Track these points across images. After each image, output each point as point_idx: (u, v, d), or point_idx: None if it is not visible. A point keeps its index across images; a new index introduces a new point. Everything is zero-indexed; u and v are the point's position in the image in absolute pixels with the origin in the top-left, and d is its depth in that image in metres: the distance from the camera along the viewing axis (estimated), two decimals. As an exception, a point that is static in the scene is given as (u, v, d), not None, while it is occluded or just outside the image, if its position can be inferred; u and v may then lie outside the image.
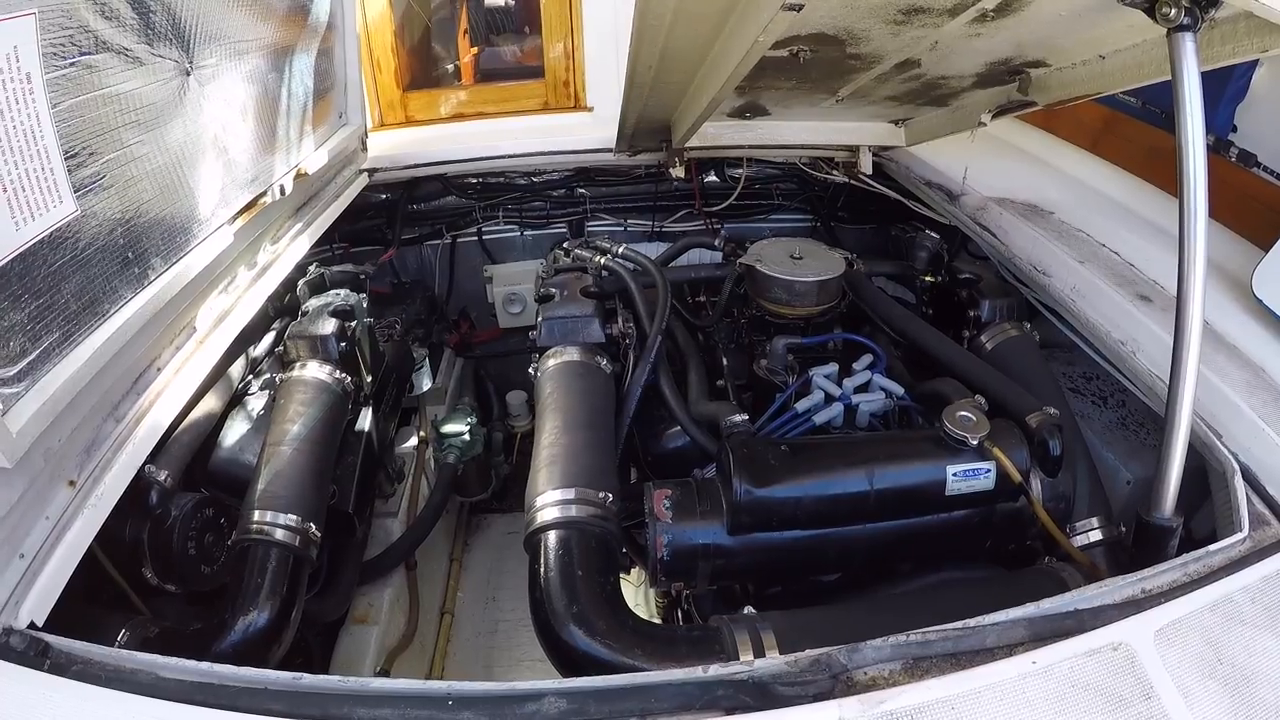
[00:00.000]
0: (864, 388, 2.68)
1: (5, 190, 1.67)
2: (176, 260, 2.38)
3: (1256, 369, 2.28)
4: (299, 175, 3.18)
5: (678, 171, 3.97)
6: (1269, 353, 2.33)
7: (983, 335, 3.03)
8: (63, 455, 1.94)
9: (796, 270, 3.05)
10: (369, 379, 3.29)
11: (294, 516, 2.48)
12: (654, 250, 3.54)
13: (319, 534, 2.56)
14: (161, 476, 2.49)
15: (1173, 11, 1.76)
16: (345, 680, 1.47)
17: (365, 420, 3.26)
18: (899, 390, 2.67)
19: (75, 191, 1.89)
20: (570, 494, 2.29)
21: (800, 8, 1.78)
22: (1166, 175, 2.92)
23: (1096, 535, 2.45)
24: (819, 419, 2.59)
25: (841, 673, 1.48)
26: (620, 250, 3.34)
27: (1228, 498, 1.98)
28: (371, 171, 4.05)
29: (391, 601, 3.46)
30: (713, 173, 4.59)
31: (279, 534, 2.44)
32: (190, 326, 2.50)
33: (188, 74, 2.37)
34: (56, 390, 1.82)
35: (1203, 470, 2.16)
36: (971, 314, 3.11)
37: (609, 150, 4.07)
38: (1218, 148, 2.94)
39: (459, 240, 4.84)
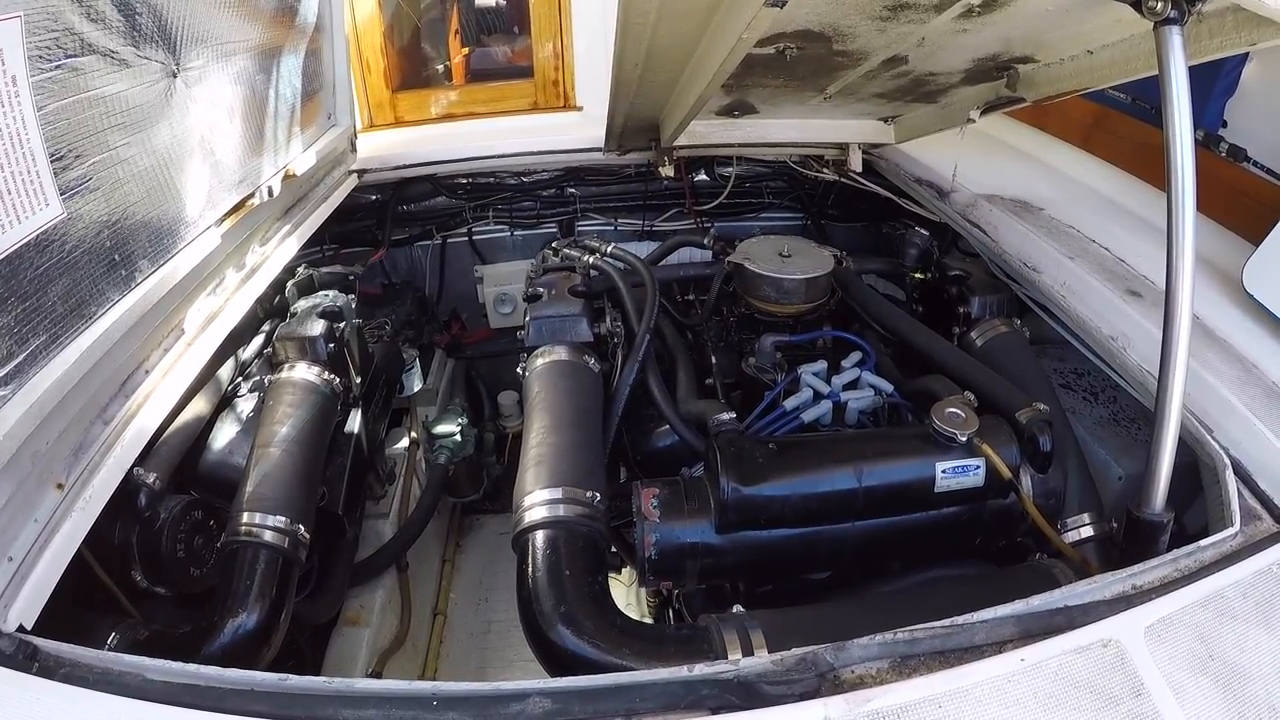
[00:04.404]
0: (853, 385, 2.68)
1: (-9, 193, 1.67)
2: (164, 262, 2.37)
3: (1248, 364, 2.28)
4: (287, 176, 3.17)
5: (667, 170, 3.98)
6: (1260, 348, 2.33)
7: (973, 332, 3.04)
8: (51, 458, 1.93)
9: (785, 268, 3.04)
10: (358, 380, 3.28)
11: (283, 518, 2.48)
12: (644, 249, 3.54)
13: (308, 535, 2.56)
14: (150, 479, 2.48)
15: (1159, 5, 1.76)
16: (331, 681, 1.46)
17: (355, 421, 3.25)
18: (888, 387, 2.67)
19: (61, 194, 1.88)
20: (558, 493, 2.29)
21: (783, 4, 1.78)
22: (1156, 171, 2.90)
23: (1088, 531, 2.45)
24: (807, 417, 2.59)
25: (828, 671, 1.48)
26: (609, 249, 3.34)
27: (1219, 493, 1.98)
28: (361, 172, 4.05)
29: (383, 603, 3.46)
30: (703, 171, 4.60)
31: (268, 536, 2.43)
32: (178, 329, 2.50)
33: (174, 76, 2.37)
34: (44, 393, 1.81)
35: (1195, 466, 2.16)
36: (961, 310, 3.11)
37: (598, 149, 4.08)
38: (1208, 143, 2.94)
39: (449, 241, 4.84)
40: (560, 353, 2.89)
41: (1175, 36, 1.77)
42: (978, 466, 2.24)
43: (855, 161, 3.96)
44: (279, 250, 3.11)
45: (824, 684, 1.46)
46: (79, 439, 2.05)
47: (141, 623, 2.27)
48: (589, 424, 2.64)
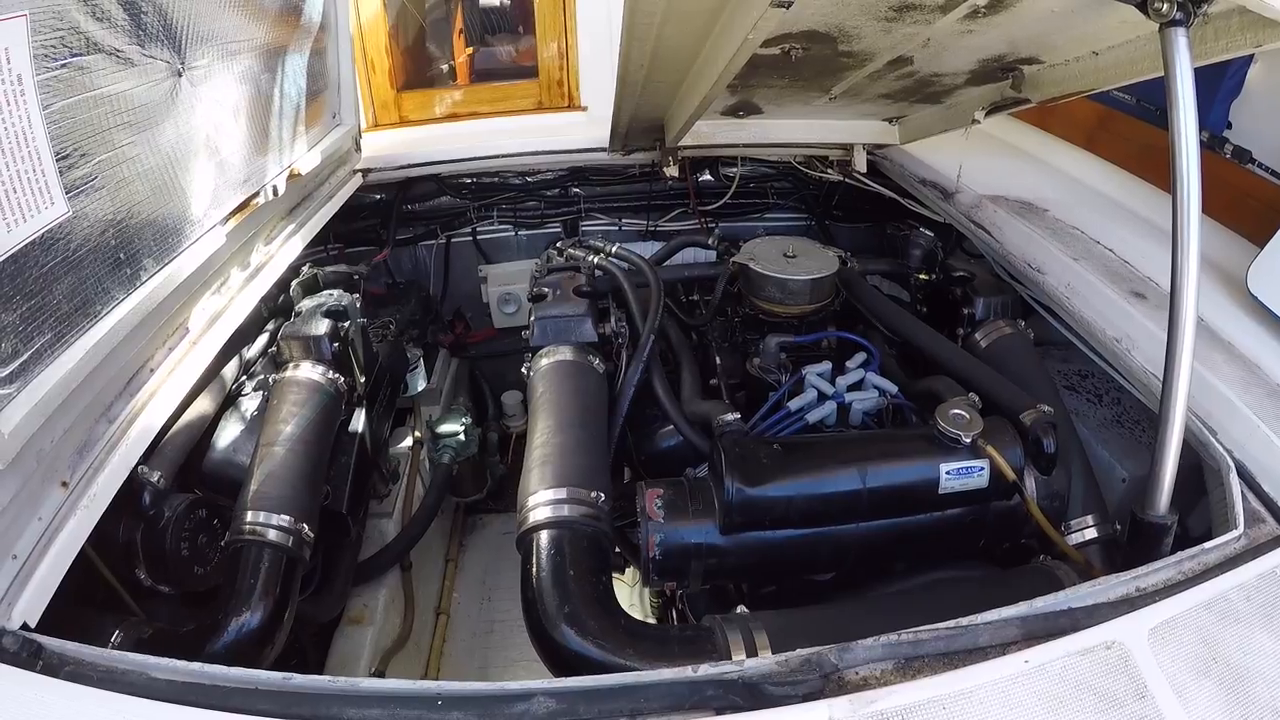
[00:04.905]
0: (857, 386, 2.68)
1: (-4, 191, 1.67)
2: (169, 261, 2.37)
3: (1251, 366, 2.27)
4: (292, 176, 3.17)
5: (671, 170, 3.97)
6: (1264, 349, 2.33)
7: (977, 333, 3.03)
8: (55, 456, 1.94)
9: (789, 269, 3.05)
10: (362, 379, 3.29)
11: (287, 517, 2.48)
12: (648, 250, 3.53)
13: (312, 535, 2.56)
14: (155, 477, 2.48)
15: (1165, 7, 1.76)
16: (335, 680, 1.46)
17: (359, 421, 3.25)
18: (892, 388, 2.67)
19: (67, 193, 1.88)
20: (562, 493, 2.28)
21: (790, 4, 1.77)
22: (1161, 172, 2.92)
23: (1091, 533, 2.44)
24: (812, 417, 2.58)
25: (832, 672, 1.48)
26: (614, 249, 3.33)
27: (1223, 495, 1.98)
28: (365, 172, 4.04)
29: (386, 602, 3.47)
30: (707, 172, 4.58)
31: (272, 535, 2.43)
32: (183, 327, 2.50)
33: (179, 75, 2.37)
34: (49, 391, 1.82)
35: (1199, 468, 2.16)
36: (966, 312, 3.10)
37: (603, 149, 4.08)
38: (1212, 144, 2.93)
39: (454, 240, 4.84)
40: (565, 353, 2.88)
41: (1180, 38, 1.77)
42: (982, 468, 2.24)
43: (860, 162, 3.96)
44: (284, 249, 3.11)
45: (828, 685, 1.46)
46: (83, 437, 2.06)
47: (145, 621, 2.27)
48: (593, 424, 2.64)
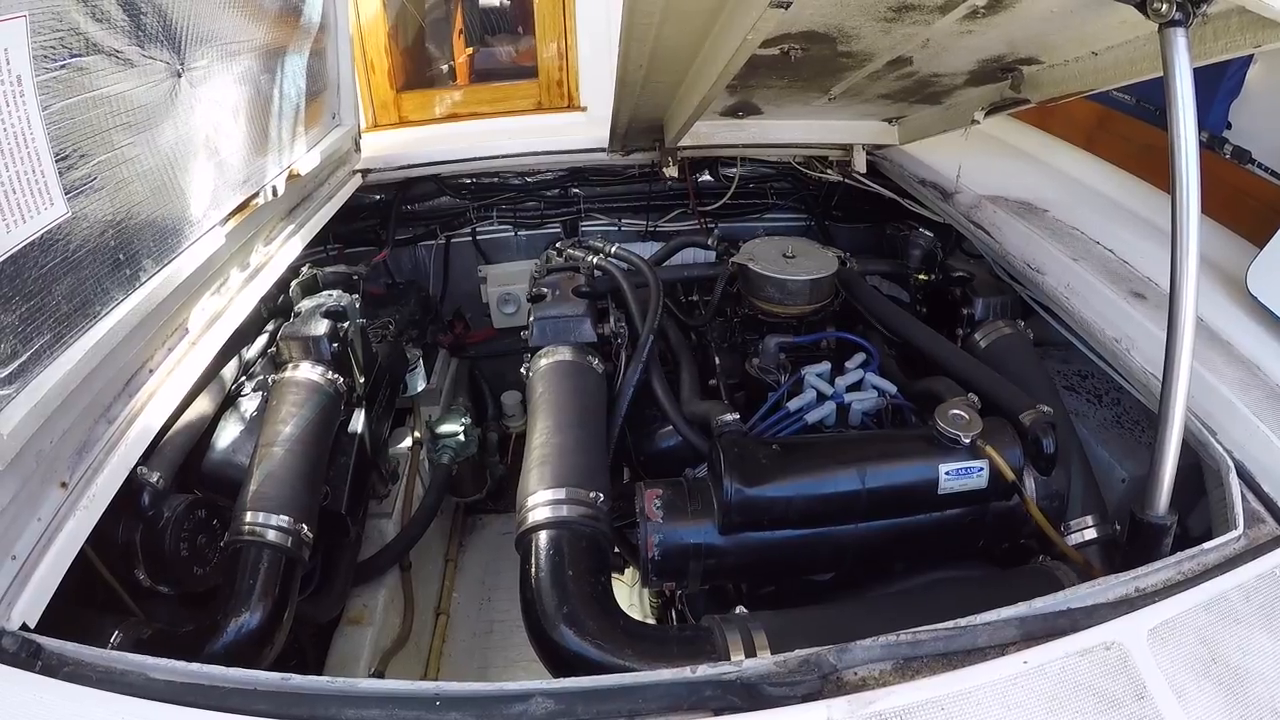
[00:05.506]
0: (856, 386, 2.68)
1: (-5, 192, 1.67)
2: (168, 262, 2.37)
3: (1251, 366, 2.27)
4: (291, 176, 3.17)
5: (671, 171, 3.97)
6: (1263, 350, 2.33)
7: (976, 333, 3.04)
8: (55, 457, 1.94)
9: (789, 269, 3.05)
10: (362, 380, 3.29)
11: (286, 518, 2.47)
12: (648, 250, 3.54)
13: (311, 535, 2.55)
14: (154, 478, 2.47)
15: (1164, 7, 1.75)
16: (333, 681, 1.46)
17: (358, 421, 3.25)
18: (892, 389, 2.67)
19: (66, 193, 1.88)
20: (561, 494, 2.28)
21: (789, 5, 1.77)
22: (1160, 172, 2.91)
23: (1091, 534, 2.45)
24: (811, 418, 2.58)
25: (831, 673, 1.48)
26: (613, 250, 3.33)
27: (1222, 496, 1.98)
28: (365, 172, 4.04)
29: (386, 602, 3.46)
30: (707, 172, 4.58)
31: (271, 535, 2.43)
32: (182, 328, 2.50)
33: (179, 75, 2.37)
34: (48, 392, 1.82)
35: (1198, 468, 2.16)
36: (965, 312, 3.11)
37: (603, 150, 4.08)
38: (1212, 144, 2.94)
39: (453, 241, 4.84)
40: (564, 353, 2.88)
41: (1180, 38, 1.77)
42: (981, 468, 2.24)
43: (859, 162, 3.95)
44: (283, 250, 3.11)
45: (827, 685, 1.46)
46: (83, 438, 2.06)
47: (144, 622, 2.27)
48: (592, 424, 2.64)
